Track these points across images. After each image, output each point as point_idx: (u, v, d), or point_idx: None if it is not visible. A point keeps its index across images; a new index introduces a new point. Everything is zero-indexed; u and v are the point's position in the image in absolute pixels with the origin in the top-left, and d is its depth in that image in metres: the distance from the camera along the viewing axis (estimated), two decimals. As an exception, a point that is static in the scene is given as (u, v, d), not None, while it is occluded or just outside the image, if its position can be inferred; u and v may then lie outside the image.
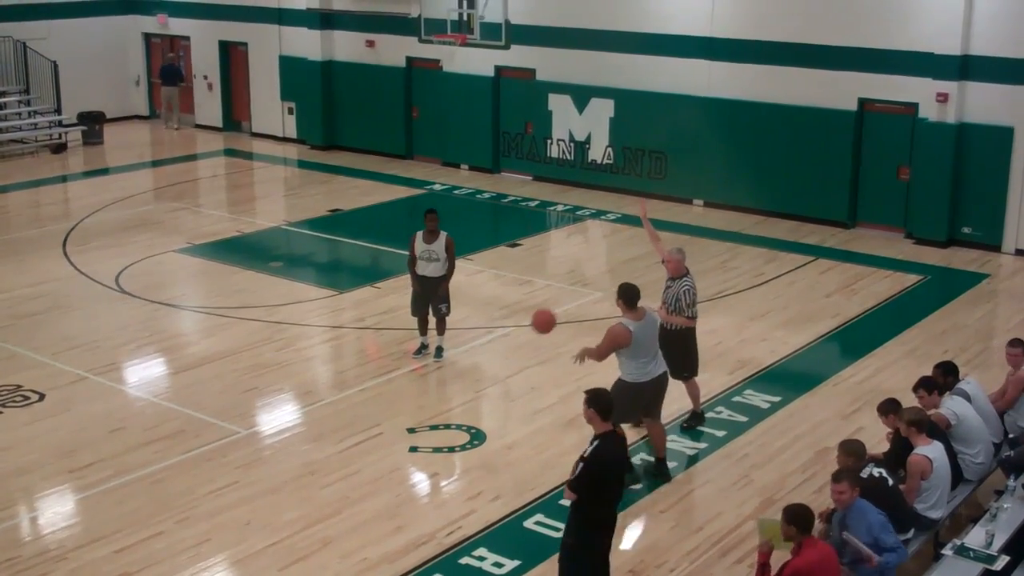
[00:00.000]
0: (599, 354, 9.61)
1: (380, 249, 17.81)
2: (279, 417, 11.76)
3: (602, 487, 7.43)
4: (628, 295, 9.65)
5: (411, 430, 11.14)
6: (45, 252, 17.49)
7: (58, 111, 26.31)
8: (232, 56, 27.51)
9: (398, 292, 15.15)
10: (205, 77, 27.98)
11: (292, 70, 25.81)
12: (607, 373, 10.01)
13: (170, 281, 16.35)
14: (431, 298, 12.68)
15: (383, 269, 16.89)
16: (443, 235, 12.57)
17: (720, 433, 11.15)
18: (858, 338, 13.86)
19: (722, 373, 12.57)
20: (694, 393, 11.22)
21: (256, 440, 11.12)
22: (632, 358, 9.62)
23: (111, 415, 11.63)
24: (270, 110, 26.70)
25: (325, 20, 25.03)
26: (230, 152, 25.79)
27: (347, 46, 25.00)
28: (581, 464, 7.36)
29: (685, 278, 10.71)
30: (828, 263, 16.79)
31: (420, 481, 10.29)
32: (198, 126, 28.40)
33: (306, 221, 19.67)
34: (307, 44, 25.32)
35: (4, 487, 10.12)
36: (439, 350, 12.97)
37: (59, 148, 25.79)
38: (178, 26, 28.30)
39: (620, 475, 7.82)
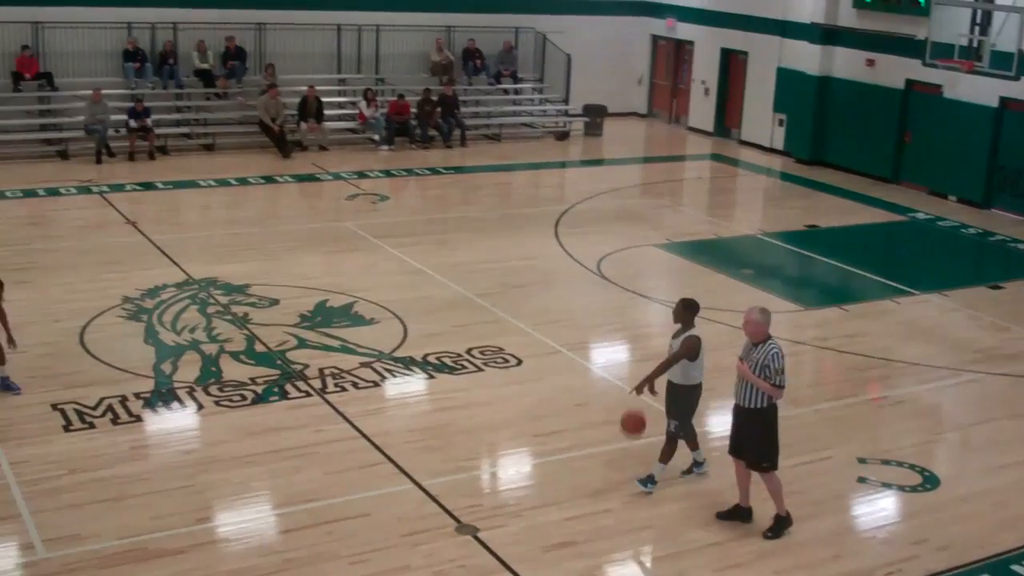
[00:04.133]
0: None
1: (852, 271, 17.57)
2: (730, 421, 12.01)
3: None
4: None
5: (861, 460, 11.00)
6: (539, 230, 18.93)
7: (566, 101, 28.18)
8: (731, 64, 28.04)
9: (867, 318, 14.96)
10: (703, 82, 28.75)
11: (788, 82, 25.91)
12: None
13: (646, 273, 17.15)
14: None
15: (853, 291, 16.68)
16: (692, 332, 9.87)
17: None
18: None
19: None
20: (775, 490, 9.54)
21: (707, 440, 11.42)
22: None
23: (577, 390, 12.44)
24: (761, 120, 26.97)
25: (827, 35, 24.88)
26: (717, 157, 26.39)
27: (846, 63, 24.71)
28: None
29: (770, 342, 9.27)
30: None
31: (864, 513, 10.13)
32: (690, 128, 29.28)
33: (782, 233, 19.77)
34: (806, 58, 25.31)
35: (476, 439, 11.11)
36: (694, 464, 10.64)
37: (563, 136, 27.63)
38: (684, 31, 29.27)
39: None
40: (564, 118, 28.08)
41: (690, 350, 9.78)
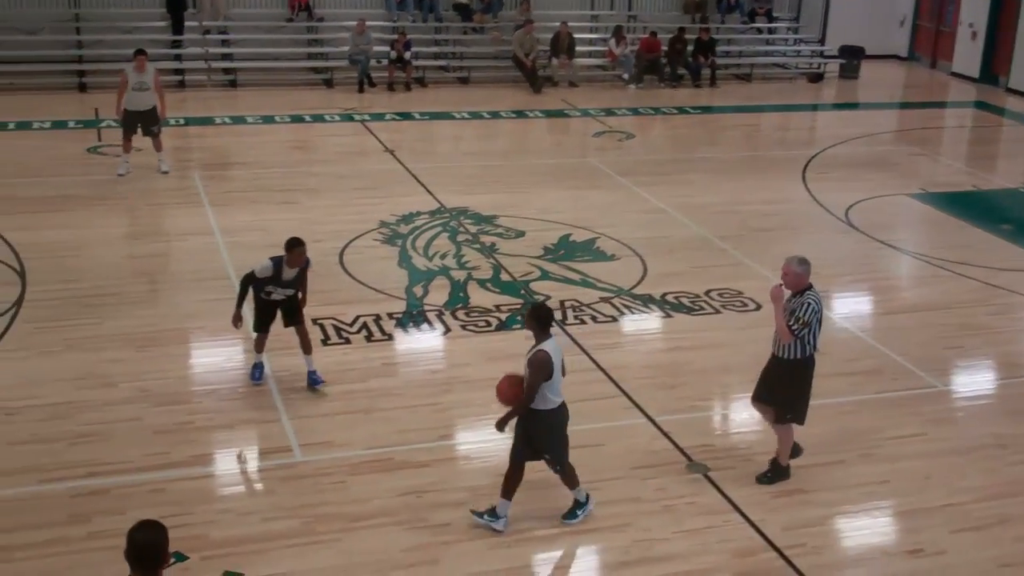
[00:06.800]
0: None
1: None
2: (978, 382, 11.66)
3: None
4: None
5: (1116, 431, 10.50)
6: (786, 174, 18.64)
7: (822, 42, 27.40)
8: (1004, 5, 26.51)
9: None
10: (971, 25, 27.32)
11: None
12: None
13: (896, 223, 16.66)
14: None
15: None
16: (540, 347, 8.16)
17: None
18: None
19: None
20: (786, 440, 9.25)
21: (950, 398, 11.17)
22: None
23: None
24: (1033, 67, 25.50)
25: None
26: (981, 105, 25.15)
27: None
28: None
29: (808, 292, 8.75)
30: None
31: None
32: (953, 74, 27.95)
33: (1049, 189, 18.80)
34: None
35: (710, 380, 11.18)
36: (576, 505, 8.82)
37: (816, 78, 26.90)
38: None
39: None
40: (819, 59, 27.31)
41: (541, 370, 8.03)
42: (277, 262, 10.06)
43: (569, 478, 8.59)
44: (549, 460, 8.50)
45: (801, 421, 9.19)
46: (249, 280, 10.19)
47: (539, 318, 8.22)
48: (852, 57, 27.09)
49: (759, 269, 14.13)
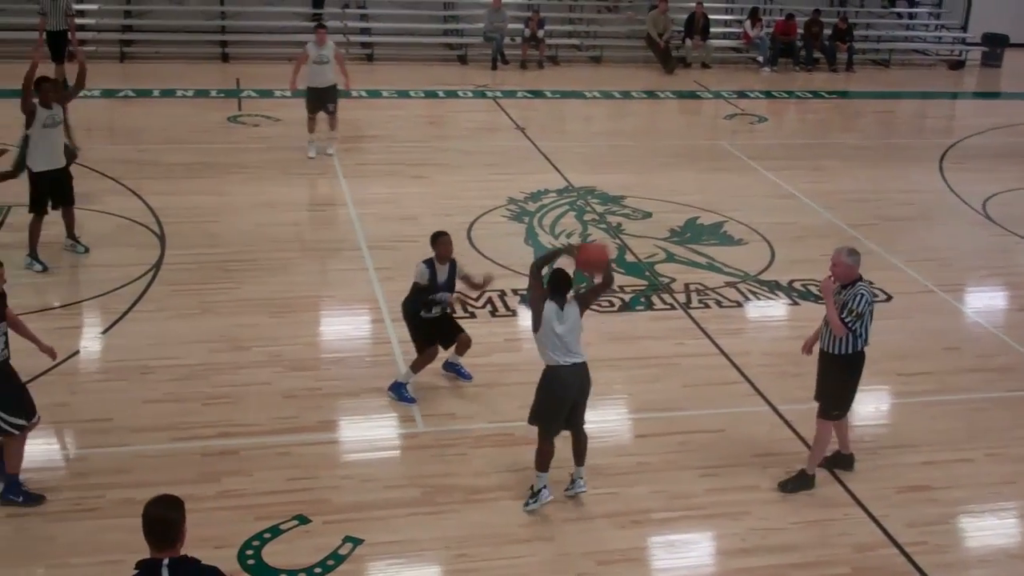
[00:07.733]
0: None
1: None
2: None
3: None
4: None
5: None
6: (922, 163, 18.22)
7: (964, 29, 26.58)
8: None
9: None
10: None
11: None
12: None
13: (1040, 217, 16.15)
14: None
15: None
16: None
17: None
18: None
19: None
20: (822, 442, 8.94)
21: None
22: None
23: (948, 333, 12.03)
24: None
25: None
26: None
27: None
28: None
29: (859, 284, 8.43)
30: None
31: None
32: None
33: None
34: None
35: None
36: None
37: (956, 65, 26.14)
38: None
39: None
40: (960, 46, 26.50)
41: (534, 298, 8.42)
42: (429, 263, 9.68)
43: (539, 455, 8.44)
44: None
45: (845, 414, 8.95)
46: (413, 299, 9.82)
47: (553, 286, 8.35)
48: (995, 45, 26.23)
49: (891, 259, 13.86)
